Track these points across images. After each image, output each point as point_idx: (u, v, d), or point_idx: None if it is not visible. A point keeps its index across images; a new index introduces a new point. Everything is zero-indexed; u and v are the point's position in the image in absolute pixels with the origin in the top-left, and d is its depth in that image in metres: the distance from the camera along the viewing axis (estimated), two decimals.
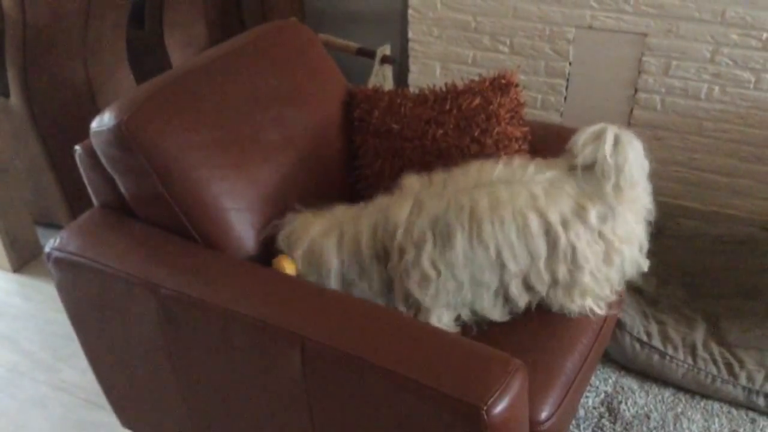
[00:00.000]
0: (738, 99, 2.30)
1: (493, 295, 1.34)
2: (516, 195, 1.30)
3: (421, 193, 1.36)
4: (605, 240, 1.32)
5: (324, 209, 1.44)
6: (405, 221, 1.33)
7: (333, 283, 1.36)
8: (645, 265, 1.43)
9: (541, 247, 1.30)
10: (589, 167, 1.34)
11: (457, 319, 1.37)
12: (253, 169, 1.43)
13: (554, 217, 1.29)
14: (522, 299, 1.34)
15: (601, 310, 1.39)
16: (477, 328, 1.35)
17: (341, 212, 1.43)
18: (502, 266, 1.30)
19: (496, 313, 1.35)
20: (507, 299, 1.35)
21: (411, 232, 1.32)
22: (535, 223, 1.29)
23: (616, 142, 1.32)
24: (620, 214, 1.33)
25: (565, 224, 1.30)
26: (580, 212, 1.31)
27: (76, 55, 2.21)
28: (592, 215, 1.31)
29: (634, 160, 1.32)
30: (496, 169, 1.36)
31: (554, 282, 1.33)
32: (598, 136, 1.33)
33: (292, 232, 1.39)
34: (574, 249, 1.30)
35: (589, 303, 1.37)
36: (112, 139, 1.29)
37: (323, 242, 1.36)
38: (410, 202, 1.35)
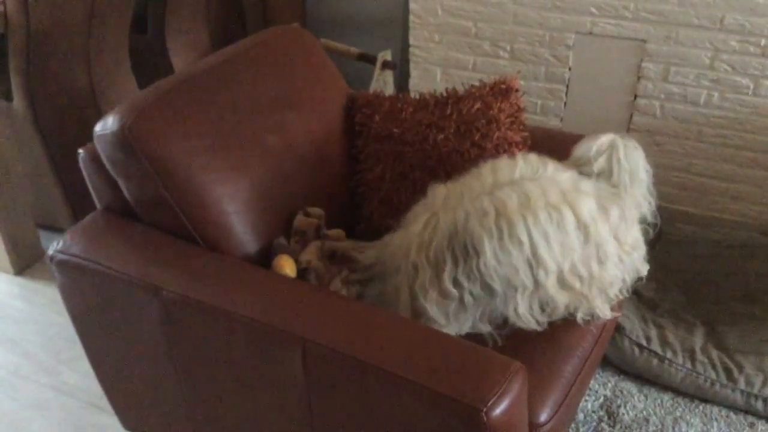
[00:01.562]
0: (737, 105, 2.31)
1: (529, 299, 1.30)
2: (547, 190, 1.30)
3: (439, 208, 1.34)
4: (619, 241, 1.35)
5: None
6: (418, 237, 1.32)
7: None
8: (644, 270, 1.44)
9: (575, 240, 1.29)
10: (600, 176, 1.39)
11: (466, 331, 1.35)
12: (255, 173, 1.44)
13: (585, 212, 1.30)
14: (561, 299, 1.31)
15: (606, 314, 1.39)
16: (493, 342, 1.32)
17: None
18: (538, 263, 1.27)
19: (533, 319, 1.31)
20: (543, 304, 1.32)
21: (426, 250, 1.30)
22: (569, 217, 1.29)
23: (627, 151, 1.38)
24: (630, 219, 1.37)
25: (593, 219, 1.31)
26: (603, 210, 1.33)
27: (79, 60, 2.23)
28: (614, 214, 1.34)
29: (642, 166, 1.39)
30: (517, 167, 1.34)
31: (591, 277, 1.32)
32: (610, 146, 1.39)
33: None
34: (601, 243, 1.32)
35: (598, 304, 1.36)
36: (115, 142, 1.30)
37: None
38: (426, 216, 1.34)
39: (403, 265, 1.33)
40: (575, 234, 1.29)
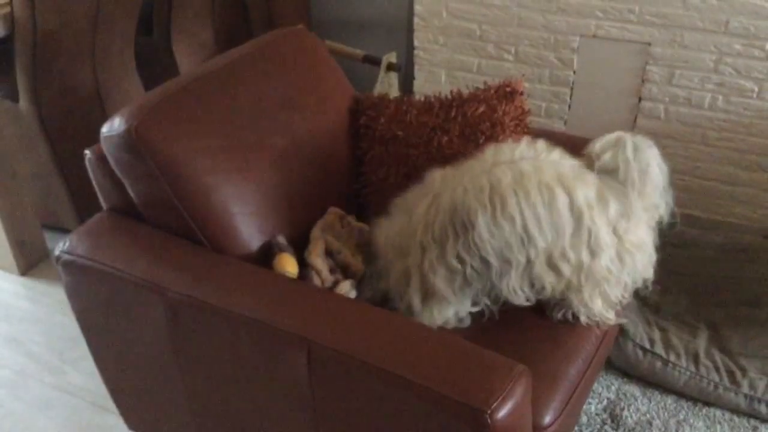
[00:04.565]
0: (741, 108, 2.32)
1: (521, 275, 1.32)
2: (542, 170, 1.30)
3: (440, 187, 1.37)
4: (618, 237, 1.33)
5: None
6: (423, 218, 1.34)
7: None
8: (649, 274, 1.42)
9: (567, 222, 1.28)
10: (608, 173, 1.34)
11: (474, 309, 1.38)
12: (260, 175, 1.45)
13: (580, 197, 1.28)
14: (548, 279, 1.32)
15: (610, 318, 1.39)
16: (490, 317, 1.37)
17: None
18: (529, 240, 1.28)
19: (523, 295, 1.34)
20: (533, 281, 1.33)
21: (432, 229, 1.32)
22: (561, 198, 1.28)
23: (636, 148, 1.34)
24: (635, 220, 1.34)
25: (589, 206, 1.29)
26: (602, 200, 1.31)
27: (85, 61, 2.24)
28: (612, 207, 1.31)
29: (656, 165, 1.35)
30: (518, 148, 1.35)
31: (579, 265, 1.31)
32: (617, 143, 1.35)
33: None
34: (595, 232, 1.29)
35: (599, 306, 1.37)
36: (122, 143, 1.31)
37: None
38: (429, 198, 1.36)
39: (411, 246, 1.35)
40: (566, 216, 1.28)
